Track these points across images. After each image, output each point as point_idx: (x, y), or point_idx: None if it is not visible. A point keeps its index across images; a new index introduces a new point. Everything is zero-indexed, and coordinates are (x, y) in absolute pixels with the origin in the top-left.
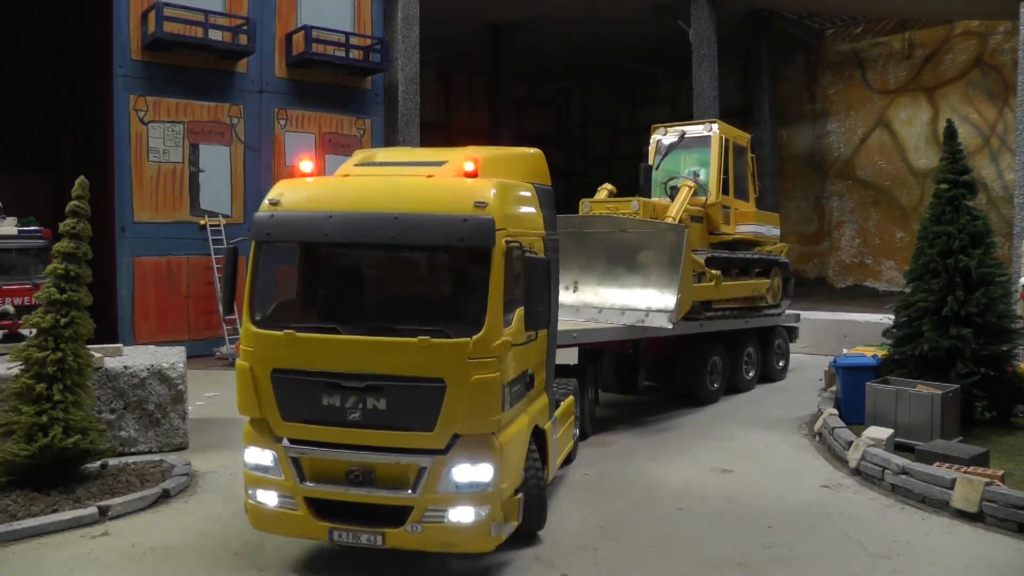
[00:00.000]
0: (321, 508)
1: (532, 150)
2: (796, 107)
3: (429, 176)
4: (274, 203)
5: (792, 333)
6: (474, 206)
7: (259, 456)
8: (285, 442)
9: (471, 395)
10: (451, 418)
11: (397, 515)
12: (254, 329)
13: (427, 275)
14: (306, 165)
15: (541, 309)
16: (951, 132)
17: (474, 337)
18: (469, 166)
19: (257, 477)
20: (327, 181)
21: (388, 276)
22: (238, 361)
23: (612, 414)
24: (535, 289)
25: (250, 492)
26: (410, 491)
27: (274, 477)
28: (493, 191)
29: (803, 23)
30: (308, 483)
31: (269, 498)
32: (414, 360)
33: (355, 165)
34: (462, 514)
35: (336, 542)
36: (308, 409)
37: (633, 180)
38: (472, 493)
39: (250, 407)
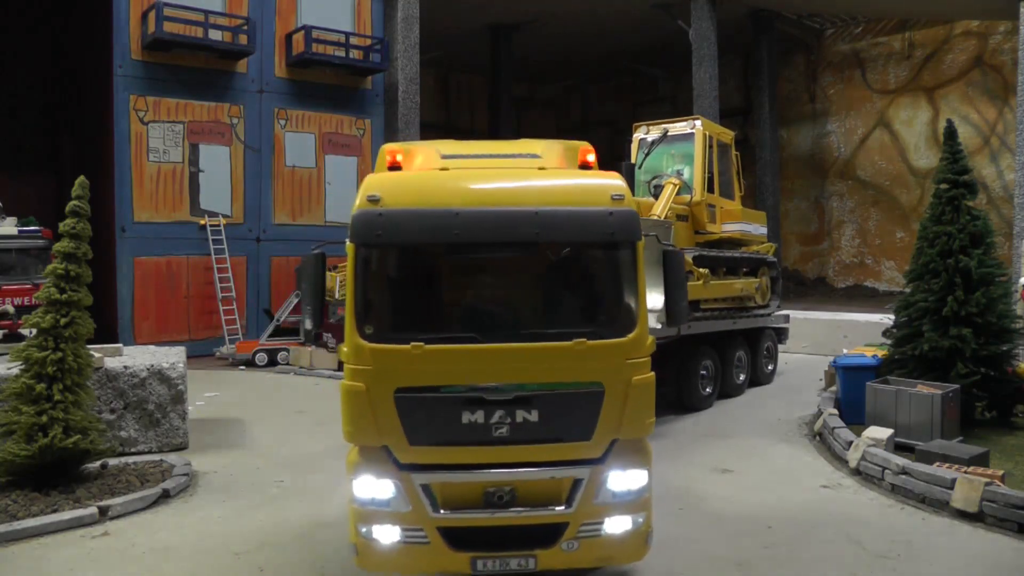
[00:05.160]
0: (456, 537)
1: (582, 143)
2: (796, 107)
3: (541, 168)
4: (374, 200)
5: (781, 334)
6: (612, 199)
7: (374, 488)
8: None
9: (631, 398)
10: (610, 424)
11: (546, 534)
12: (368, 345)
13: (554, 274)
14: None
15: (683, 304)
16: (951, 132)
17: (629, 336)
18: (591, 157)
19: (372, 512)
20: (433, 175)
21: (508, 277)
22: (346, 383)
23: None
24: (677, 283)
25: (363, 530)
26: (564, 506)
27: (397, 510)
28: (624, 183)
29: (803, 23)
30: (442, 511)
31: (390, 534)
32: (569, 366)
33: (443, 157)
34: (618, 524)
35: (480, 572)
36: (443, 430)
37: None
38: (628, 502)
39: (366, 434)
